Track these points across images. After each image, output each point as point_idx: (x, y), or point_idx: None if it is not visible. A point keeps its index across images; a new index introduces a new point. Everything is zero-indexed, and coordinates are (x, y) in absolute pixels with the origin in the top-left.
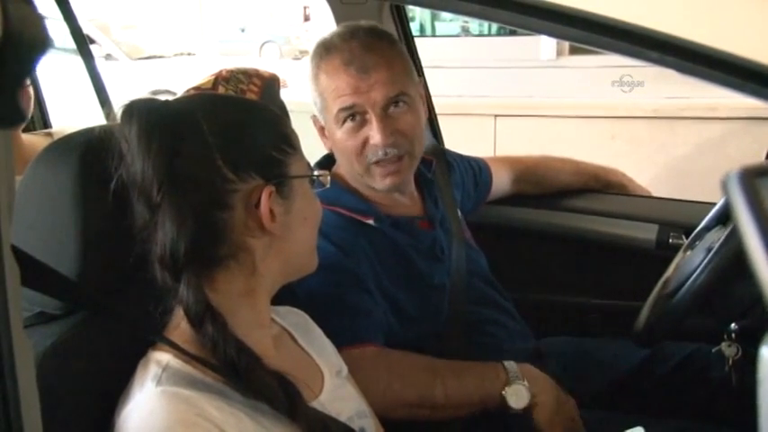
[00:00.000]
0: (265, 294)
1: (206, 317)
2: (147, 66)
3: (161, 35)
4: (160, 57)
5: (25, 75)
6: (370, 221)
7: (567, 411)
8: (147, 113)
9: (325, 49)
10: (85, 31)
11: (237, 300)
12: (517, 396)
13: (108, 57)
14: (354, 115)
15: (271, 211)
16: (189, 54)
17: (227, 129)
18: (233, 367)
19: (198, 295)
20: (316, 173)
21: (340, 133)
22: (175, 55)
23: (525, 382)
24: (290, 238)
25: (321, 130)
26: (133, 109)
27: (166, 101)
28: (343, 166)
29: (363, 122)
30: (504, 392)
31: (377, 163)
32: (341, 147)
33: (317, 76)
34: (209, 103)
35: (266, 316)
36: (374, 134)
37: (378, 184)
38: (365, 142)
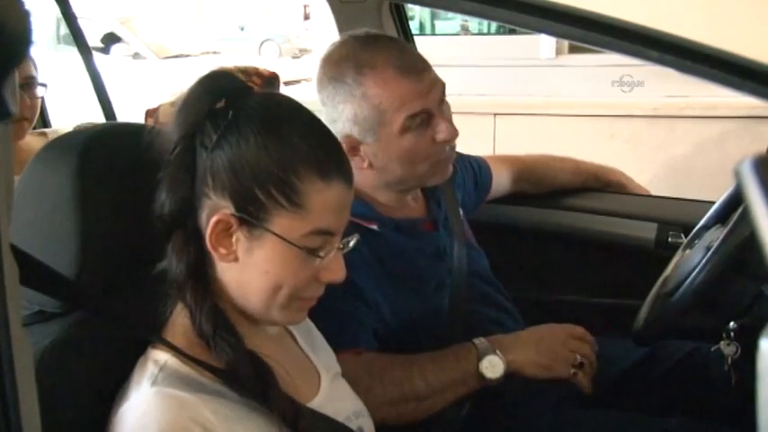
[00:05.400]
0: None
1: (189, 280)
2: (174, 64)
3: (186, 34)
4: (187, 56)
5: (10, 70)
6: (374, 226)
7: (551, 343)
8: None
9: (365, 65)
10: (113, 29)
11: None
12: (492, 367)
13: (136, 56)
14: (418, 119)
15: (230, 238)
16: (214, 53)
17: (236, 137)
18: (205, 339)
19: (182, 256)
20: (307, 246)
21: (406, 142)
22: (202, 54)
23: (497, 352)
24: (242, 275)
25: (353, 150)
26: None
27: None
28: (386, 179)
29: (424, 124)
30: (479, 367)
31: (441, 159)
32: (407, 156)
33: (365, 93)
34: (270, 107)
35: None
36: (444, 130)
37: (438, 179)
38: (430, 142)
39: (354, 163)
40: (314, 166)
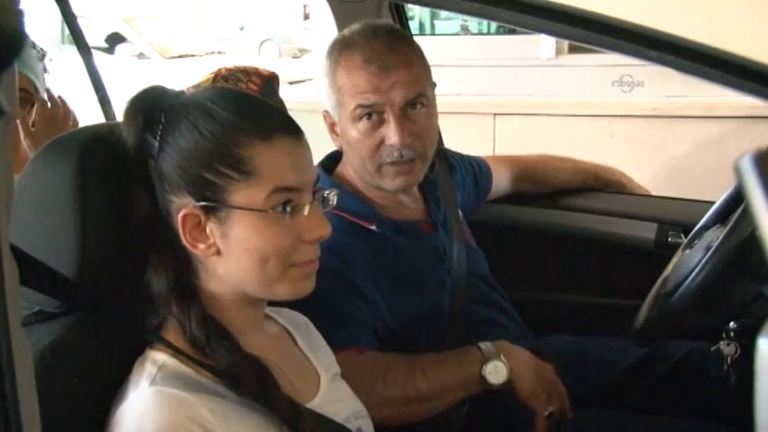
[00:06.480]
0: (235, 300)
1: (173, 293)
2: (179, 64)
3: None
4: (192, 56)
5: (4, 70)
6: (373, 227)
7: (546, 377)
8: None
9: (345, 46)
10: (117, 29)
11: (216, 290)
12: (495, 372)
13: (141, 56)
14: (371, 114)
15: (204, 232)
16: (219, 53)
17: (172, 134)
18: (200, 346)
19: (161, 272)
20: (268, 208)
21: (354, 131)
22: (207, 54)
23: (502, 358)
24: (229, 262)
25: (332, 126)
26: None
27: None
28: (351, 165)
29: (380, 122)
30: (482, 371)
31: (390, 163)
32: (354, 145)
33: (335, 72)
34: (198, 98)
35: (252, 316)
36: (391, 135)
37: (388, 184)
38: (381, 142)
39: (334, 141)
40: (250, 130)
